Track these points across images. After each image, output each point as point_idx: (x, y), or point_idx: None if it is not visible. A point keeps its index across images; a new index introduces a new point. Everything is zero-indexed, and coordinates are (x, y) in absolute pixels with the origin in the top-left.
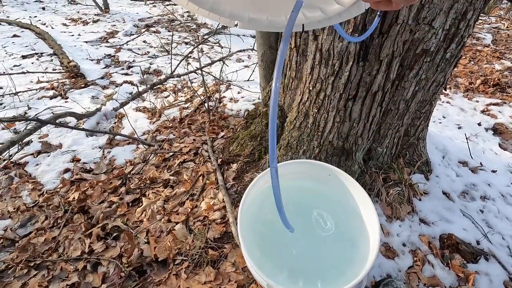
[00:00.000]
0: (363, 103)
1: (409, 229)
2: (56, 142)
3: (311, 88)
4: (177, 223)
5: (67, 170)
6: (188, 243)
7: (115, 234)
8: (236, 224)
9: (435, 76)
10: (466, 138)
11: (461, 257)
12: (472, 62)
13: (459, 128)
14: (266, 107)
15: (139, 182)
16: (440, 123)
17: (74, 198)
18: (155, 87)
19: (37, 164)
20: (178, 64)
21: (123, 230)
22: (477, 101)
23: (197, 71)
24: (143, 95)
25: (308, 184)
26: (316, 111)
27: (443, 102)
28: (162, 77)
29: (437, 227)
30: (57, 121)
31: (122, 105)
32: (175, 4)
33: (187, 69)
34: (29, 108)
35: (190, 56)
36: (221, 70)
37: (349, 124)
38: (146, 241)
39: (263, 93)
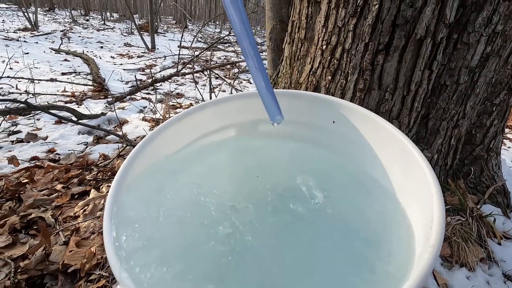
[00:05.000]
0: (400, 58)
1: (487, 287)
2: (44, 135)
3: (324, 47)
4: None
5: (34, 158)
6: None
7: (35, 227)
8: None
9: None
10: None
11: None
12: None
13: None
14: None
15: (98, 174)
16: (510, 167)
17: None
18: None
19: (9, 151)
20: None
21: (48, 224)
22: None
23: (204, 71)
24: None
25: (295, 142)
26: (329, 78)
27: (509, 147)
28: (167, 73)
29: None
30: (51, 111)
31: (116, 99)
32: (216, 50)
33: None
34: None
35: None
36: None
37: (379, 94)
38: (65, 241)
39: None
